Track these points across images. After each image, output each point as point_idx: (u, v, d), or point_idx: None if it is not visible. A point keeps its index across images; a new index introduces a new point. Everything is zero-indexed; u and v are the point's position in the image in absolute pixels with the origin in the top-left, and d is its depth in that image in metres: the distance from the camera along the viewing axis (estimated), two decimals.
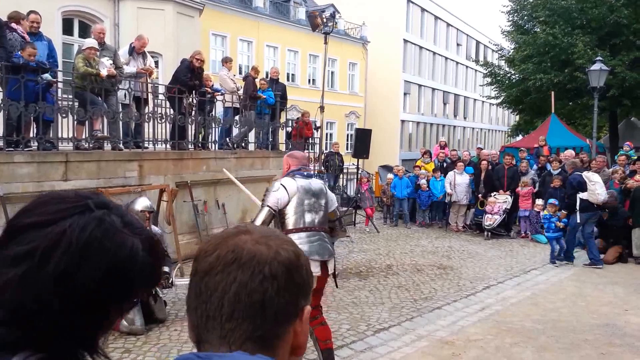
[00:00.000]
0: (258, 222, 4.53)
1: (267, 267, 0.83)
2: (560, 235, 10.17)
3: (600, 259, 9.87)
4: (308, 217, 4.64)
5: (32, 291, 0.81)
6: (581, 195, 9.72)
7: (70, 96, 8.60)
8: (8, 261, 0.82)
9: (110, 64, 8.75)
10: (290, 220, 4.61)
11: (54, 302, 0.81)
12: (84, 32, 14.18)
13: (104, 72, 8.38)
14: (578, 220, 9.84)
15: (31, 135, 7.94)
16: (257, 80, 12.28)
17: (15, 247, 0.83)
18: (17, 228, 0.85)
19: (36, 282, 0.81)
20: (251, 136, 12.33)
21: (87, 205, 0.87)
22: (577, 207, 9.78)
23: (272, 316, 0.83)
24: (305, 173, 4.78)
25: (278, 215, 4.63)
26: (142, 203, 5.99)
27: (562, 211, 10.27)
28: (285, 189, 4.60)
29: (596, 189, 9.61)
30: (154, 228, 6.14)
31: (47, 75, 7.81)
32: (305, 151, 14.13)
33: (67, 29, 13.74)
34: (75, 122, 8.35)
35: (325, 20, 12.93)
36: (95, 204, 0.88)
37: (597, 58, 15.97)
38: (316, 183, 4.82)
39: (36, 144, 7.80)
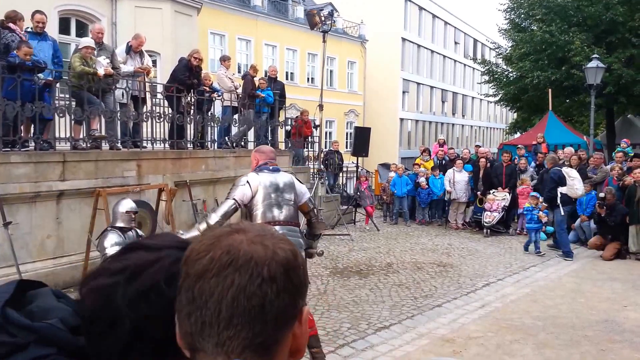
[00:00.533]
0: (220, 212, 4.62)
1: (265, 269, 0.78)
2: (540, 227, 10.73)
3: (571, 250, 10.27)
4: (275, 211, 4.70)
5: (110, 304, 0.86)
6: (561, 189, 9.98)
7: (67, 95, 8.57)
8: (108, 272, 0.90)
9: (108, 63, 8.72)
10: (258, 214, 4.66)
11: (125, 321, 0.86)
12: (81, 31, 14.14)
13: (101, 72, 8.36)
14: (562, 214, 10.14)
15: (30, 135, 7.91)
16: (256, 79, 12.26)
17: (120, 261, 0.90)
18: (130, 245, 0.93)
19: (116, 295, 0.87)
20: (250, 135, 12.32)
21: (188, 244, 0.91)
22: (559, 201, 10.02)
23: (272, 321, 0.78)
24: (271, 167, 4.83)
25: (246, 210, 4.70)
26: (126, 205, 5.93)
27: (544, 203, 10.58)
28: (249, 184, 4.66)
29: (574, 184, 9.91)
30: (138, 231, 6.12)
31: (42, 75, 7.77)
32: (305, 150, 14.16)
33: (64, 28, 13.69)
34: (73, 122, 8.32)
35: (323, 18, 12.91)
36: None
37: (594, 55, 15.98)
38: (283, 177, 4.87)
39: (33, 144, 7.77)
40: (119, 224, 5.82)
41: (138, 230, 6.13)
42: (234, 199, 4.63)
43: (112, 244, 5.60)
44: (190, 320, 0.79)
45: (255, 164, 4.89)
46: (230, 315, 0.77)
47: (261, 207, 4.65)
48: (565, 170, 10.17)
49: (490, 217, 12.44)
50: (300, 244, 4.80)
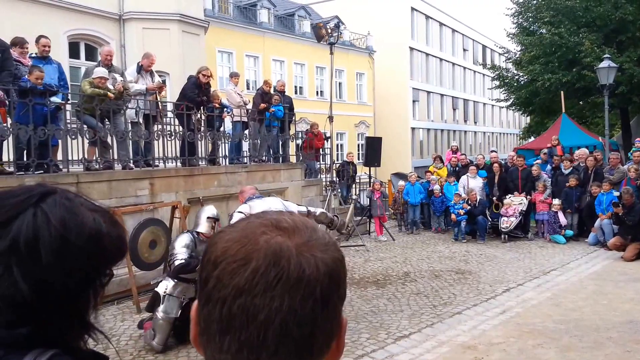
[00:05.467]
0: None
1: (318, 288, 0.68)
2: (466, 218, 12.46)
3: None
4: None
5: (19, 281, 0.80)
6: None
7: (75, 118, 8.68)
8: None
9: (122, 80, 8.81)
10: None
11: (39, 288, 0.81)
12: (91, 55, 14.32)
13: (113, 90, 8.44)
14: None
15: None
16: (272, 94, 12.35)
17: None
18: None
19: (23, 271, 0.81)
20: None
21: (41, 193, 0.86)
22: None
23: (319, 345, 0.70)
24: (257, 195, 5.31)
25: None
26: (208, 211, 6.03)
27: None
28: (244, 214, 4.85)
29: None
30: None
31: (55, 98, 7.87)
32: (317, 163, 14.13)
33: (74, 52, 13.89)
34: (88, 144, 8.40)
35: (330, 31, 12.98)
36: (45, 192, 0.87)
37: (605, 55, 15.84)
38: (270, 202, 5.28)
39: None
40: (200, 229, 5.88)
41: None
42: None
43: (182, 245, 5.63)
44: (224, 338, 0.69)
45: (243, 200, 5.33)
46: (277, 344, 0.67)
47: None
48: None
49: (507, 223, 12.28)
50: None
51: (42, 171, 7.60)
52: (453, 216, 12.68)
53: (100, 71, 8.77)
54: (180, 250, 5.57)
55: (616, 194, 10.65)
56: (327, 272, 0.69)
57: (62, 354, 0.82)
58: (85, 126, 8.33)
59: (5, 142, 7.59)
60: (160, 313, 5.48)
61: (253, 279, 0.67)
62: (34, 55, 8.30)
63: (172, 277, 5.58)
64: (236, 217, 4.89)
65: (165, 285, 5.62)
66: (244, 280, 0.67)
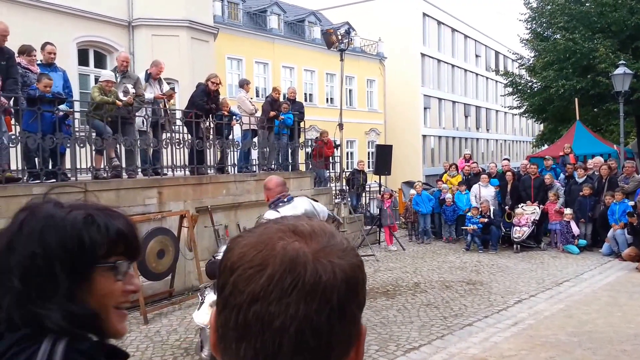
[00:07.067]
0: None
1: (335, 295, 0.67)
2: (480, 227, 12.30)
3: None
4: None
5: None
6: None
7: (84, 126, 8.67)
8: None
9: (133, 92, 8.79)
10: None
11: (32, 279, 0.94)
12: (100, 62, 14.37)
13: (123, 98, 8.43)
14: None
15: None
16: (281, 102, 12.30)
17: None
18: None
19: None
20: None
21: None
22: None
23: (336, 354, 0.69)
24: (285, 200, 4.69)
25: None
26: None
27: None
28: None
29: None
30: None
31: (63, 106, 7.87)
32: (327, 171, 14.05)
33: (83, 59, 13.95)
34: (94, 152, 8.39)
35: (340, 37, 12.92)
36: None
37: (620, 62, 15.64)
38: (301, 204, 4.77)
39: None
40: None
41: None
42: None
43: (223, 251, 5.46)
44: (240, 345, 0.68)
45: (269, 197, 4.81)
46: (293, 351, 0.66)
47: None
48: None
49: (519, 232, 12.10)
50: None
51: (53, 179, 7.57)
52: (469, 227, 12.39)
53: (108, 74, 8.77)
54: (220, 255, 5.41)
55: (631, 203, 10.45)
56: (344, 279, 0.68)
57: (80, 341, 0.91)
58: (93, 133, 8.32)
59: (13, 150, 7.59)
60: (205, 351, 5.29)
61: (268, 285, 0.66)
62: (39, 62, 8.32)
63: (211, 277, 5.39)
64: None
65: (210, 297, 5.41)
66: (259, 287, 0.66)
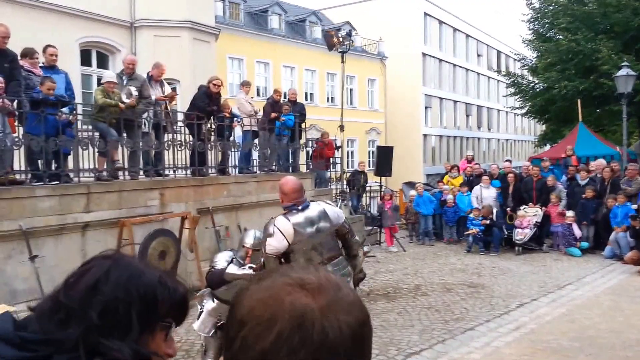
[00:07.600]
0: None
1: (342, 352, 0.69)
2: (483, 229, 12.24)
3: None
4: (314, 255, 4.40)
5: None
6: None
7: (87, 127, 8.66)
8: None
9: (136, 95, 8.75)
10: (300, 261, 4.35)
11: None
12: (102, 62, 14.35)
13: (126, 100, 8.42)
14: None
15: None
16: (282, 103, 12.27)
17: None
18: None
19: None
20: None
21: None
22: None
23: None
24: (299, 207, 4.49)
25: (283, 257, 4.36)
26: (248, 237, 5.40)
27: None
28: (282, 232, 4.32)
29: None
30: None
31: (66, 109, 7.86)
32: (327, 172, 14.04)
33: (85, 60, 13.94)
34: (97, 154, 8.38)
35: (341, 39, 12.90)
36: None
37: (623, 63, 15.58)
38: (314, 209, 4.56)
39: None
40: (240, 253, 5.21)
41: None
42: (268, 254, 4.35)
43: (225, 259, 5.22)
44: None
45: (284, 201, 4.60)
46: None
47: (303, 251, 4.38)
48: None
49: (521, 235, 12.08)
50: (349, 272, 4.59)
51: (56, 181, 7.57)
52: (472, 230, 12.35)
53: (110, 75, 8.76)
54: (219, 264, 5.27)
55: (634, 206, 10.43)
56: (350, 336, 0.70)
57: None
58: (97, 135, 8.32)
59: (17, 152, 7.58)
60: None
61: (277, 342, 0.68)
62: (41, 65, 8.30)
63: (210, 286, 5.30)
64: (270, 229, 4.40)
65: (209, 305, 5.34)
66: (268, 344, 0.68)
